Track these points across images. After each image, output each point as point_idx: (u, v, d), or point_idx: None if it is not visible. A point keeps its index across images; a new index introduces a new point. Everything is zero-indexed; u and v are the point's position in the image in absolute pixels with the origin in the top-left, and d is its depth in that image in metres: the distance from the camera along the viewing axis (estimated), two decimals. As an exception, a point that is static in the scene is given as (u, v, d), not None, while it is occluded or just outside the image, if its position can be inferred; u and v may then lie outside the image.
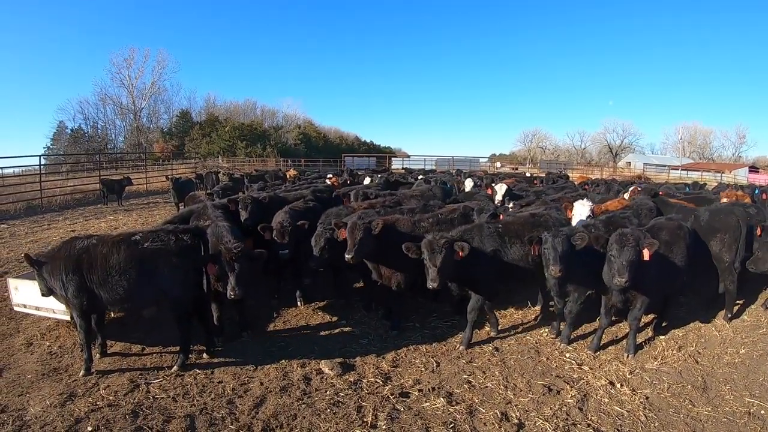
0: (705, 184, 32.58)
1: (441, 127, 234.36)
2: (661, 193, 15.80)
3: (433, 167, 58.29)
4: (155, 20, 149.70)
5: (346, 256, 8.81)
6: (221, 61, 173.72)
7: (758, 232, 10.43)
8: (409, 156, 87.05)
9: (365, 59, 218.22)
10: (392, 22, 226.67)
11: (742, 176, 74.30)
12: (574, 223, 10.59)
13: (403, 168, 49.28)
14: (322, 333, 9.79)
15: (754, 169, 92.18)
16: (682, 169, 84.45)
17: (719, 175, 70.66)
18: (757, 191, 22.35)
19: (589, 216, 10.95)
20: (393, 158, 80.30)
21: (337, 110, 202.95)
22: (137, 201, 31.84)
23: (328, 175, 25.80)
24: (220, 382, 7.65)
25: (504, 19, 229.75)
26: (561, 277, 8.32)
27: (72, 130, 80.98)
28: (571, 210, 11.10)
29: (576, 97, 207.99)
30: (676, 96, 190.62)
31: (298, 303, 11.01)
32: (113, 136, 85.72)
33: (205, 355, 8.52)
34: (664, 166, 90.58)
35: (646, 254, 7.91)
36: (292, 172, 30.87)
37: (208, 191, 21.39)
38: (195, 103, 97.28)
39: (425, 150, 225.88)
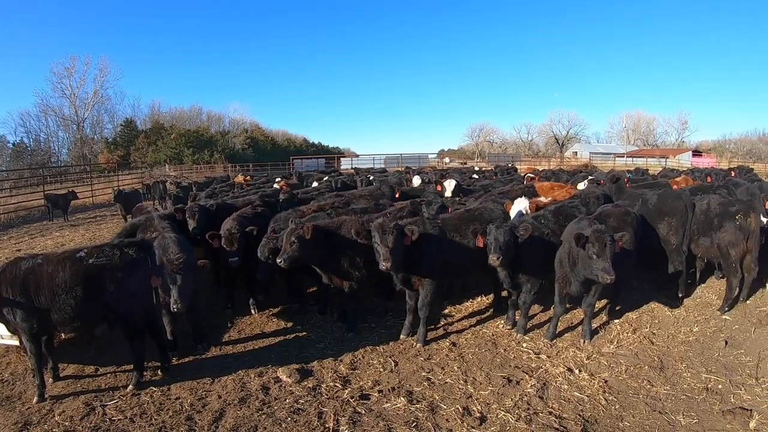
0: (647, 169, 33.21)
1: (389, 125, 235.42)
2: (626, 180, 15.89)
3: (383, 166, 58.41)
4: (96, 26, 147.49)
5: (279, 260, 8.77)
6: (165, 66, 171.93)
7: None
8: (358, 156, 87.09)
9: (310, 59, 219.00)
10: (335, 21, 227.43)
11: (686, 160, 76.30)
12: (512, 216, 10.57)
13: (352, 168, 49.17)
14: (278, 340, 9.67)
15: (697, 153, 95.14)
16: (627, 156, 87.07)
17: (664, 160, 72.65)
18: (705, 171, 23.21)
19: (526, 211, 10.90)
20: (342, 159, 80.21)
21: (285, 112, 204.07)
22: (84, 215, 31.07)
23: (277, 179, 25.65)
24: (177, 399, 7.47)
25: (449, 14, 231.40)
26: (504, 267, 8.55)
27: (14, 144, 79.50)
28: (511, 206, 11.12)
29: (522, 90, 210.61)
30: (620, 85, 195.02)
31: (252, 311, 10.87)
32: (56, 148, 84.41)
33: (160, 371, 8.32)
34: (610, 154, 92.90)
35: (617, 247, 7.99)
36: (240, 178, 30.58)
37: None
38: (139, 111, 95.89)
39: (374, 149, 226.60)
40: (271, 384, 7.85)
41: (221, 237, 9.89)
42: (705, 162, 68.23)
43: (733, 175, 21.96)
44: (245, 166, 65.51)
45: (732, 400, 7.20)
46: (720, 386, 7.57)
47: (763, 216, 10.42)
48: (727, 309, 10.38)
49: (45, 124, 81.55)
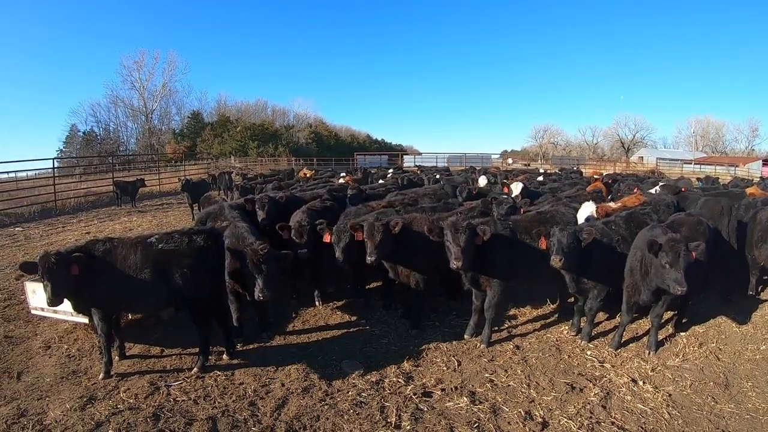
0: (718, 178, 32.45)
1: (452, 124, 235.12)
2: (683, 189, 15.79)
3: (445, 164, 58.20)
4: (165, 22, 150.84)
5: (368, 258, 8.82)
6: (231, 61, 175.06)
7: None
8: (420, 153, 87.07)
9: (376, 57, 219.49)
10: (403, 20, 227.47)
11: (756, 170, 73.61)
12: (580, 221, 10.58)
13: (414, 166, 49.12)
14: (341, 332, 9.76)
15: (767, 162, 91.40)
16: (695, 163, 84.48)
17: (733, 168, 70.64)
18: None
19: (594, 216, 10.84)
20: (405, 156, 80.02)
21: (348, 108, 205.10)
22: (151, 202, 31.92)
23: (342, 174, 25.77)
24: (241, 384, 7.63)
25: (516, 15, 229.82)
26: (567, 270, 8.50)
27: (84, 133, 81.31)
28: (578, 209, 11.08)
29: (587, 92, 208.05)
30: (688, 90, 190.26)
31: (317, 303, 10.99)
32: (125, 138, 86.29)
33: (225, 356, 8.50)
34: (677, 160, 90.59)
35: (692, 257, 7.85)
36: (305, 172, 30.75)
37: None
38: (206, 104, 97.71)
39: (436, 147, 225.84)
40: (334, 375, 7.92)
41: (291, 229, 9.98)
42: None
43: None
44: (309, 160, 65.93)
45: None
46: None
47: None
48: None
49: (114, 115, 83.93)
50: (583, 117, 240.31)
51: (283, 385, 7.59)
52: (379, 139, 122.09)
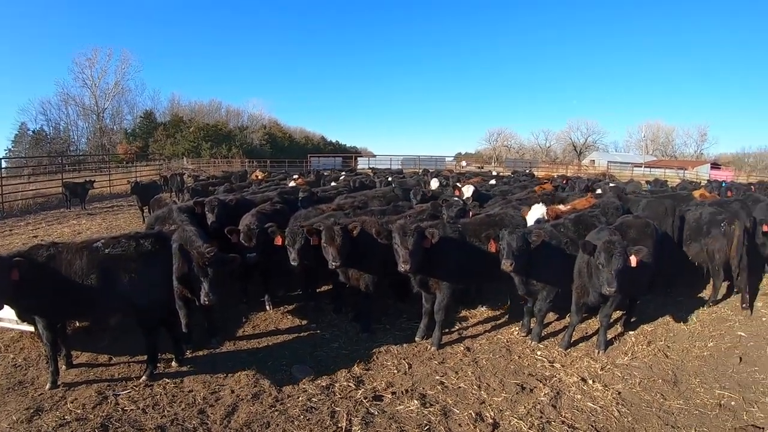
0: (666, 180, 33.09)
1: (407, 127, 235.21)
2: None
3: (400, 167, 58.35)
4: (119, 19, 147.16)
5: (332, 264, 8.78)
6: (186, 60, 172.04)
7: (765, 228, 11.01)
8: (375, 156, 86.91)
9: (332, 58, 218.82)
10: (358, 22, 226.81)
11: (704, 173, 75.41)
12: (530, 223, 10.72)
13: (369, 168, 49.14)
14: (292, 337, 9.67)
15: (716, 165, 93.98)
16: (645, 167, 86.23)
17: (682, 171, 72.13)
18: (724, 184, 23.25)
19: (544, 218, 11.07)
20: (359, 158, 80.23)
21: (303, 110, 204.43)
22: (101, 204, 31.28)
23: (294, 176, 25.67)
24: (190, 391, 7.50)
25: (471, 19, 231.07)
26: (516, 273, 8.54)
27: (34, 132, 79.12)
28: (527, 212, 11.22)
29: (541, 96, 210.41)
30: (640, 95, 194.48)
31: (267, 307, 10.88)
32: (76, 137, 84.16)
33: (174, 363, 8.36)
34: (628, 163, 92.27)
35: (633, 261, 7.98)
36: (258, 174, 30.54)
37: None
38: (159, 103, 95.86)
39: (391, 149, 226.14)
40: (284, 381, 7.85)
41: (240, 232, 9.87)
42: (723, 175, 67.63)
43: (753, 190, 21.92)
44: (262, 161, 65.63)
45: (745, 417, 7.15)
46: (733, 403, 7.51)
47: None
48: (712, 303, 11.54)
49: (65, 113, 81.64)
50: (537, 121, 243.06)
51: (232, 391, 7.47)
52: (334, 141, 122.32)
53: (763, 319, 10.73)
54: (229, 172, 35.40)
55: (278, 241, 9.42)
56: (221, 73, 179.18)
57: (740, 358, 8.91)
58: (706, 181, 32.20)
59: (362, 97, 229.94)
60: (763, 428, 6.85)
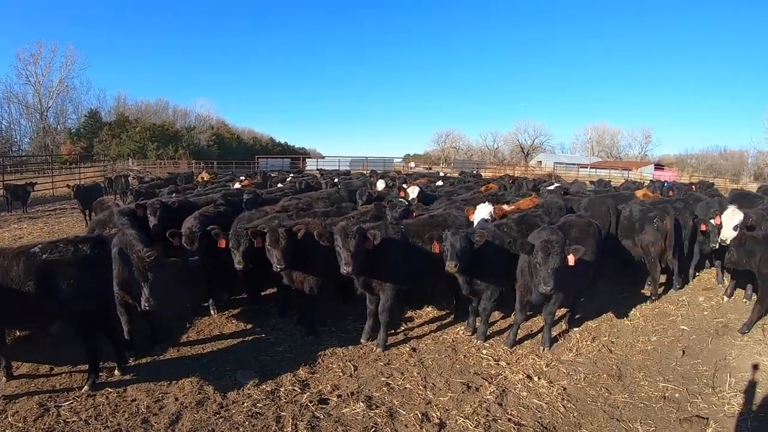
0: (610, 181, 33.78)
1: (357, 128, 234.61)
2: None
3: (348, 168, 58.29)
4: (64, 15, 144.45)
5: (276, 267, 8.69)
6: (133, 58, 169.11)
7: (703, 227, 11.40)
8: (323, 157, 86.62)
9: (280, 59, 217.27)
10: (306, 23, 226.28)
11: (648, 173, 77.94)
12: (475, 223, 10.78)
13: (317, 169, 49.00)
14: (237, 342, 9.53)
15: (659, 166, 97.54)
16: (590, 167, 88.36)
17: (626, 172, 74.04)
18: (666, 184, 23.95)
19: (490, 218, 11.14)
20: (307, 159, 79.76)
21: (252, 110, 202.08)
22: (43, 207, 30.42)
23: (240, 177, 25.52)
24: (133, 401, 7.31)
25: (420, 19, 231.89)
26: (461, 273, 8.56)
27: (-27, 131, 77.40)
28: (473, 212, 11.25)
29: (490, 98, 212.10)
30: (586, 98, 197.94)
31: (212, 311, 10.68)
32: (18, 137, 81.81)
33: (116, 372, 8.12)
34: (574, 164, 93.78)
35: (572, 260, 8.07)
36: (204, 176, 30.22)
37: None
38: (105, 102, 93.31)
39: (340, 150, 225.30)
40: (229, 387, 7.72)
41: (182, 235, 9.71)
42: (666, 175, 69.64)
43: (693, 189, 22.52)
44: (209, 163, 64.86)
45: (689, 408, 7.35)
46: (677, 395, 7.71)
47: (715, 236, 11.57)
48: (654, 297, 12.02)
49: (7, 112, 79.15)
50: (486, 122, 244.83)
51: (176, 399, 7.32)
52: (283, 142, 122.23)
53: (705, 312, 11.05)
54: (174, 174, 34.88)
55: (222, 243, 9.30)
56: (169, 71, 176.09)
57: (683, 351, 9.15)
58: (649, 182, 32.84)
59: (312, 98, 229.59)
60: (707, 418, 7.02)
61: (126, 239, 8.23)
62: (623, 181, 36.94)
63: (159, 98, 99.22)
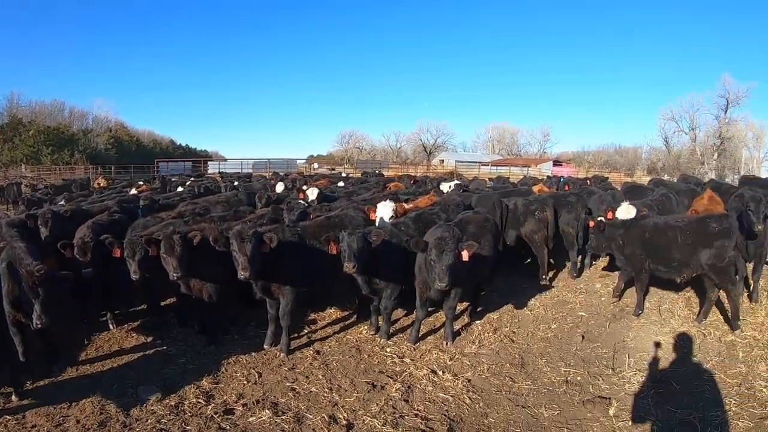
0: (508, 177, 34.96)
1: (260, 129, 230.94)
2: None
3: (251, 170, 57.77)
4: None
5: (172, 275, 8.43)
6: (26, 55, 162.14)
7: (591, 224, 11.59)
8: (226, 159, 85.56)
9: (182, 56, 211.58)
10: (209, 17, 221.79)
11: (547, 169, 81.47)
12: (377, 222, 10.90)
13: (218, 172, 48.36)
14: (138, 356, 9.22)
15: (557, 163, 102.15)
16: (492, 165, 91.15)
17: (526, 169, 76.26)
18: (562, 179, 24.97)
19: (392, 216, 11.25)
20: (209, 162, 78.49)
21: (152, 111, 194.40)
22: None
23: (138, 183, 25.02)
24: (33, 427, 6.96)
25: (323, 19, 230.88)
26: (359, 273, 8.60)
27: None
28: (375, 211, 11.34)
29: (393, 99, 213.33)
30: (488, 99, 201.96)
31: (110, 326, 10.32)
32: None
33: (13, 397, 7.71)
34: (475, 162, 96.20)
35: (465, 256, 8.19)
36: (100, 182, 29.41)
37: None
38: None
39: (243, 153, 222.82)
40: (131, 404, 7.45)
41: (74, 246, 9.36)
42: (564, 171, 73.04)
43: (588, 183, 23.33)
44: (107, 168, 62.55)
45: (591, 390, 7.67)
46: (579, 378, 8.04)
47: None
48: (545, 277, 13.14)
49: None
50: (389, 123, 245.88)
51: (78, 421, 7.02)
52: (184, 144, 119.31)
53: (602, 298, 11.62)
54: (70, 180, 33.74)
55: (116, 253, 8.92)
56: (66, 69, 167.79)
57: (582, 337, 9.53)
58: (546, 177, 33.89)
59: (215, 98, 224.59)
60: (609, 398, 7.37)
61: (15, 253, 7.89)
62: (522, 177, 37.95)
63: (54, 99, 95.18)
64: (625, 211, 10.96)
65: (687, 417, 6.98)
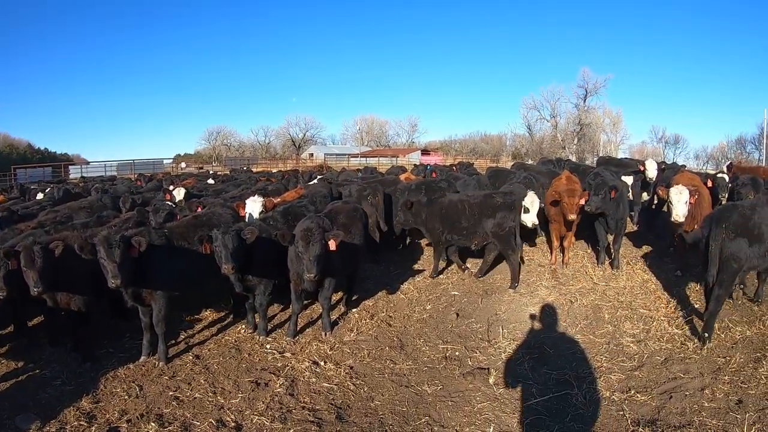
0: (376, 167, 35.60)
1: (122, 129, 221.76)
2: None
3: (115, 173, 55.91)
4: None
5: (33, 290, 7.86)
6: None
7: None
8: (88, 163, 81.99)
9: (35, 52, 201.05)
10: (68, 11, 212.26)
11: (416, 159, 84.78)
12: (247, 219, 10.94)
13: (80, 177, 46.03)
14: (9, 384, 8.58)
15: (426, 152, 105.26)
16: (361, 157, 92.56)
17: (395, 159, 77.82)
18: (429, 167, 25.90)
19: (262, 210, 11.32)
20: (71, 167, 74.65)
21: (6, 112, 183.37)
22: None
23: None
24: None
25: (187, 13, 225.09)
26: (236, 273, 8.55)
27: None
28: (244, 207, 11.32)
29: (261, 95, 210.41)
30: (355, 92, 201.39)
31: (-27, 353, 9.71)
32: None
33: None
34: (345, 154, 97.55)
35: (333, 245, 8.33)
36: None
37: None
38: None
39: (106, 155, 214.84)
40: (7, 437, 7.13)
41: None
42: (432, 160, 75.69)
43: (454, 170, 24.16)
44: (-44, 178, 58.03)
45: (470, 363, 8.12)
46: (457, 353, 8.45)
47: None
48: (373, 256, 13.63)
49: None
50: (257, 119, 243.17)
51: (-48, 466, 6.71)
52: (43, 148, 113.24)
53: (472, 277, 12.11)
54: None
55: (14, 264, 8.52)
56: None
57: (457, 314, 9.99)
58: (413, 166, 34.61)
59: (74, 98, 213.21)
60: (488, 368, 7.84)
61: None
62: (390, 166, 38.68)
63: None
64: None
65: (562, 376, 7.53)
